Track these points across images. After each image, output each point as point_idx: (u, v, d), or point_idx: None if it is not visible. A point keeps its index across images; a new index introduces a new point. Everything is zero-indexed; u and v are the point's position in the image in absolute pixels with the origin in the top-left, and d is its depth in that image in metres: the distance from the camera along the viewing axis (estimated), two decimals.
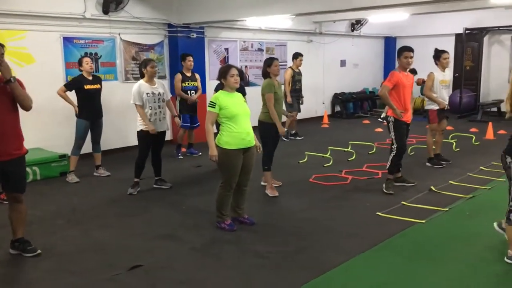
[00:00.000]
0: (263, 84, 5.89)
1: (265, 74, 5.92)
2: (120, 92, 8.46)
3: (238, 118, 4.64)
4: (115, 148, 8.48)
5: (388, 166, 6.07)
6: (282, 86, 6.52)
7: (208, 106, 4.69)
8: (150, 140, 6.09)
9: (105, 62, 8.57)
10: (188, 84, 8.15)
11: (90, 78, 6.83)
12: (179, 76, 8.12)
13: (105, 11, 8.28)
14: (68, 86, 6.82)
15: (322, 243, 4.47)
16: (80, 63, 6.87)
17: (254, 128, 4.88)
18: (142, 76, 6.13)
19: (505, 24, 12.01)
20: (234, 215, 4.97)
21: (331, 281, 3.72)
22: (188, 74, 8.19)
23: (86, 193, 6.28)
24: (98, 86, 6.88)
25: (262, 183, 6.26)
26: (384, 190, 5.94)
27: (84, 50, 8.23)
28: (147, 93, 5.99)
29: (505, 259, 3.88)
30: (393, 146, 6.03)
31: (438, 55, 7.28)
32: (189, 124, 8.23)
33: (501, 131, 9.93)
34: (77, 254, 4.32)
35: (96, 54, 8.41)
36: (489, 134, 9.63)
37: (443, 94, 7.20)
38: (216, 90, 7.22)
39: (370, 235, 4.61)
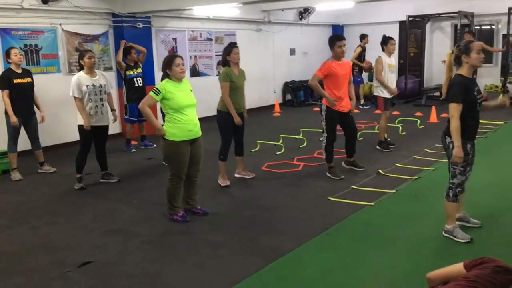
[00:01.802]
0: (221, 72, 5.82)
1: (225, 63, 5.79)
2: (64, 85, 8.06)
3: (184, 110, 4.58)
4: (61, 143, 8.19)
5: (324, 156, 6.18)
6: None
7: (152, 91, 4.59)
8: (91, 134, 5.90)
9: (47, 54, 8.24)
10: (133, 72, 7.98)
11: (19, 71, 6.44)
12: (123, 64, 7.96)
13: (44, 1, 7.94)
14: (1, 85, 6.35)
15: (275, 230, 4.52)
16: (7, 54, 6.43)
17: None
18: (81, 68, 5.91)
19: (446, 11, 12.47)
20: (186, 206, 4.93)
21: (283, 267, 3.76)
22: (132, 64, 8.03)
23: (32, 191, 6.04)
24: (29, 80, 6.53)
25: (236, 175, 6.21)
26: (333, 177, 6.05)
27: (24, 42, 7.88)
28: (86, 85, 5.79)
29: (443, 233, 4.09)
30: (323, 135, 6.14)
31: (386, 41, 7.47)
32: (136, 119, 8.03)
33: (444, 115, 10.32)
34: (24, 253, 4.16)
35: (36, 45, 8.06)
36: (433, 118, 10.02)
37: (391, 78, 7.43)
38: (162, 80, 7.11)
39: (321, 220, 4.70)
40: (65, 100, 7.99)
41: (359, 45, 12.13)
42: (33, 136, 6.72)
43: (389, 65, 7.35)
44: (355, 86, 11.54)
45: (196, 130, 4.68)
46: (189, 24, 10.67)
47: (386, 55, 7.41)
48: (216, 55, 11.41)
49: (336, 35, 6.19)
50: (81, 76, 5.83)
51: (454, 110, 3.82)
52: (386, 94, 7.38)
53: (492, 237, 4.15)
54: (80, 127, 5.87)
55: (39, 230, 4.70)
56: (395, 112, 10.09)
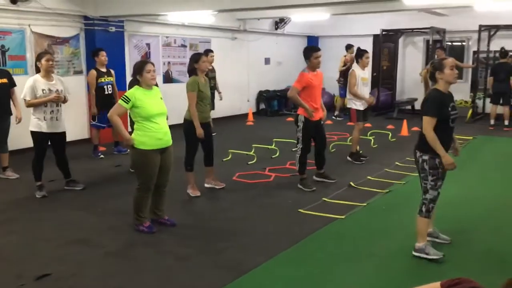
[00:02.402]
0: (188, 81, 5.66)
1: (192, 71, 5.61)
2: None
3: (154, 118, 4.44)
4: (24, 147, 7.85)
5: (298, 167, 6.10)
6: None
7: (121, 99, 4.43)
8: (45, 140, 5.69)
9: (14, 56, 7.95)
10: (105, 79, 7.75)
11: None
12: (93, 73, 7.69)
13: (13, 1, 7.68)
14: None
15: (244, 243, 4.41)
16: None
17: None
18: (38, 71, 5.65)
19: (418, 26, 12.68)
20: (153, 216, 4.77)
21: (250, 282, 3.66)
22: (103, 70, 7.79)
23: None
24: (4, 80, 6.32)
25: (206, 184, 6.07)
26: (305, 189, 5.99)
27: None
28: (42, 89, 5.56)
29: (413, 252, 4.02)
30: (298, 146, 6.09)
31: (361, 53, 7.51)
32: (104, 125, 7.81)
33: (415, 128, 10.43)
34: None
35: (3, 46, 7.78)
36: (404, 131, 10.11)
37: (364, 91, 7.45)
38: (130, 86, 6.96)
39: (291, 232, 4.62)
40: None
41: (345, 55, 12.27)
42: (3, 138, 6.44)
43: (362, 78, 7.38)
44: (340, 98, 11.63)
45: (166, 139, 4.55)
46: (163, 30, 10.53)
47: (359, 68, 7.44)
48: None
49: (312, 47, 6.17)
50: (37, 79, 5.57)
51: (427, 123, 3.80)
52: (359, 107, 7.39)
53: (463, 253, 4.13)
54: (32, 133, 5.64)
55: None
56: (367, 124, 10.13)
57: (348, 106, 7.59)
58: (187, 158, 5.72)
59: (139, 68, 4.47)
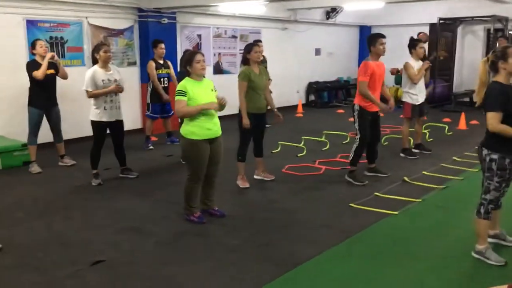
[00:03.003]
0: (240, 70, 5.67)
1: (244, 61, 5.63)
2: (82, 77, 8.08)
3: (205, 111, 4.45)
4: (83, 136, 8.14)
5: (351, 157, 5.93)
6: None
7: (178, 94, 4.43)
8: (104, 129, 5.85)
9: (72, 47, 8.23)
10: (162, 71, 7.84)
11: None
12: (152, 64, 7.76)
13: None
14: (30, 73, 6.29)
15: (293, 235, 4.36)
16: (33, 46, 6.41)
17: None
18: (95, 62, 5.81)
19: (478, 15, 12.07)
20: (203, 207, 4.81)
21: (301, 275, 3.61)
22: (161, 62, 7.89)
23: (50, 184, 6.01)
24: (52, 71, 6.49)
25: (255, 176, 6.06)
26: (354, 182, 5.83)
27: (50, 34, 7.88)
28: (102, 80, 5.71)
29: (472, 253, 3.81)
30: (356, 136, 5.94)
31: (414, 43, 7.22)
32: (157, 115, 7.96)
33: (473, 121, 10.00)
34: (38, 249, 4.09)
35: (62, 38, 8.06)
36: (462, 124, 9.68)
37: (420, 84, 7.15)
38: (180, 78, 7.04)
39: (342, 227, 4.52)
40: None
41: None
42: (56, 129, 6.70)
43: (417, 70, 7.08)
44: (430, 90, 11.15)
45: (215, 129, 4.55)
46: (214, 21, 10.57)
47: (414, 60, 7.16)
48: (240, 53, 11.23)
49: (379, 33, 5.95)
50: (97, 70, 5.75)
51: (493, 119, 3.52)
52: (415, 101, 7.11)
53: None
54: (92, 122, 5.82)
55: (54, 225, 4.64)
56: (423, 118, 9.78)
57: (403, 99, 7.30)
58: (239, 148, 5.73)
59: (189, 58, 4.48)
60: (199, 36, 10.36)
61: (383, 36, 5.85)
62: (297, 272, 3.64)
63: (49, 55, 6.30)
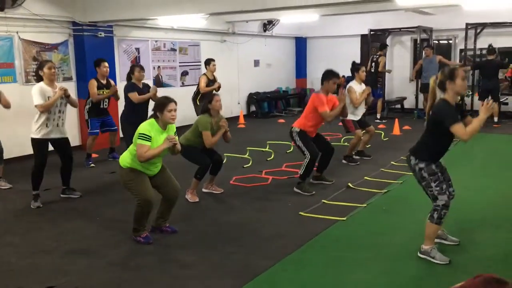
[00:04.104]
0: (200, 119, 5.69)
1: (205, 110, 5.76)
2: (20, 95, 7.73)
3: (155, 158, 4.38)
4: (14, 157, 7.73)
5: (302, 172, 6.02)
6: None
7: (141, 138, 4.24)
8: (46, 148, 5.63)
9: (2, 63, 7.82)
10: (102, 92, 7.54)
11: None
12: (94, 82, 7.47)
13: (1, 8, 7.55)
14: None
15: (248, 247, 4.38)
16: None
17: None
18: (39, 79, 5.62)
19: (406, 26, 12.78)
20: (155, 224, 4.72)
21: (260, 287, 3.64)
22: (103, 81, 7.60)
23: None
24: None
25: (204, 189, 6.04)
26: (303, 193, 5.94)
27: None
28: (48, 97, 5.52)
29: (418, 254, 4.02)
30: (305, 154, 6.01)
31: (357, 67, 7.66)
32: (97, 130, 7.73)
33: (406, 127, 10.55)
34: None
35: None
36: (396, 130, 10.18)
37: (361, 106, 7.56)
38: (126, 89, 6.89)
39: (294, 235, 4.60)
40: (21, 111, 7.59)
41: (381, 55, 12.11)
42: None
43: (359, 93, 7.49)
44: (375, 99, 11.53)
45: (156, 170, 4.51)
46: (152, 34, 10.45)
47: (357, 83, 7.57)
48: (180, 65, 11.22)
49: (334, 72, 6.13)
50: (43, 87, 5.55)
51: (461, 130, 3.64)
52: (353, 117, 7.43)
53: (471, 256, 4.07)
54: (33, 140, 5.56)
55: None
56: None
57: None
58: (202, 169, 5.72)
59: (162, 104, 4.32)
60: (138, 49, 10.20)
61: (338, 76, 6.14)
62: (254, 284, 3.67)
63: None
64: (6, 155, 6.75)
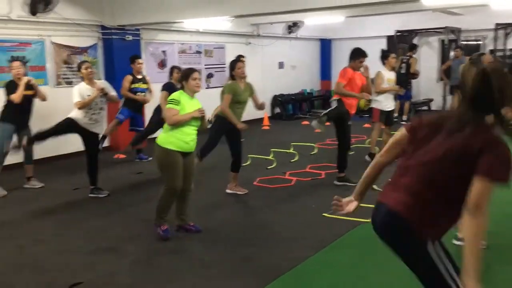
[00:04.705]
0: (225, 85, 5.99)
1: (231, 77, 5.96)
2: (51, 97, 7.91)
3: (189, 123, 4.56)
4: (45, 157, 7.96)
5: (338, 164, 6.37)
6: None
7: (170, 102, 4.52)
8: (71, 128, 5.90)
9: (34, 66, 8.06)
10: (139, 86, 7.87)
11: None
12: (129, 77, 7.84)
13: (33, 12, 7.80)
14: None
15: (270, 248, 4.41)
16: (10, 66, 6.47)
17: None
18: (83, 79, 6.01)
19: (433, 26, 12.61)
20: (179, 223, 4.81)
21: (283, 287, 3.66)
22: (139, 76, 7.94)
23: (17, 207, 5.84)
24: (30, 92, 6.40)
25: (228, 190, 6.11)
26: (350, 184, 6.05)
27: (11, 53, 7.69)
28: (88, 95, 5.83)
29: (453, 241, 3.98)
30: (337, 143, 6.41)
31: (386, 55, 7.74)
32: (123, 118, 7.94)
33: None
34: (12, 274, 3.99)
35: (23, 57, 7.89)
36: None
37: (389, 99, 7.54)
38: (166, 88, 7.08)
39: (318, 237, 4.61)
40: (52, 113, 7.79)
41: (411, 56, 11.88)
42: (27, 149, 6.50)
43: (388, 79, 7.56)
44: (403, 100, 11.51)
45: (192, 145, 4.64)
46: (178, 37, 10.61)
47: (386, 70, 7.59)
48: (205, 68, 11.34)
49: (362, 51, 6.34)
50: (82, 86, 5.89)
51: None
52: (384, 108, 7.51)
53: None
54: (70, 118, 5.85)
55: (26, 249, 4.52)
56: (384, 126, 10.09)
57: (372, 105, 7.61)
58: (205, 148, 5.90)
59: (187, 74, 4.64)
60: (164, 52, 10.36)
61: (365, 56, 6.30)
62: (277, 284, 3.70)
63: (24, 80, 6.23)
64: (37, 156, 6.98)
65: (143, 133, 7.73)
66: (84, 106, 5.78)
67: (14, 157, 6.61)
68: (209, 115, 5.10)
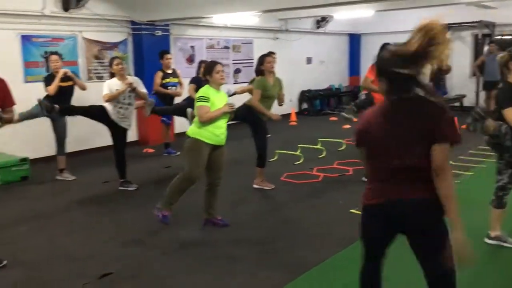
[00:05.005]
0: (255, 80, 5.99)
1: (258, 72, 5.92)
2: (82, 92, 8.11)
3: (219, 118, 4.62)
4: (77, 150, 8.14)
5: None
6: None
7: (200, 100, 4.55)
8: (100, 116, 6.02)
9: (67, 61, 8.22)
10: (170, 80, 7.99)
11: None
12: (159, 73, 7.97)
13: (65, 8, 7.98)
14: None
15: (297, 243, 4.41)
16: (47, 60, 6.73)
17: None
18: (112, 76, 6.13)
19: (466, 20, 12.30)
20: (207, 216, 4.85)
21: (307, 282, 3.66)
22: (169, 71, 8.05)
23: (50, 198, 6.01)
24: (70, 83, 6.62)
25: (254, 185, 6.14)
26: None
27: (44, 49, 7.90)
28: (116, 89, 5.93)
29: (485, 239, 3.93)
30: None
31: None
32: (167, 118, 8.16)
33: (465, 126, 10.14)
34: (44, 263, 4.11)
35: (56, 52, 8.06)
36: None
37: None
38: (194, 81, 7.11)
39: (345, 233, 4.57)
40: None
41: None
42: (60, 140, 6.73)
43: None
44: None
45: (222, 138, 4.70)
46: (207, 32, 10.66)
47: None
48: (233, 63, 11.37)
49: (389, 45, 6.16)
50: (112, 81, 6.04)
51: (508, 115, 3.61)
52: None
53: None
54: (103, 107, 5.97)
55: (58, 239, 4.65)
56: None
57: None
58: (264, 152, 5.99)
59: (209, 68, 4.68)
60: (192, 47, 10.44)
61: None
62: (303, 279, 3.69)
63: (60, 73, 6.44)
64: (69, 149, 7.15)
65: (169, 109, 7.73)
66: (111, 99, 5.89)
67: (48, 149, 6.78)
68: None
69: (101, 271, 3.87)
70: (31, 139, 6.72)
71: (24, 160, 6.80)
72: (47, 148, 6.76)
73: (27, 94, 6.94)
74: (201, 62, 7.81)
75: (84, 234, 4.78)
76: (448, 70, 11.49)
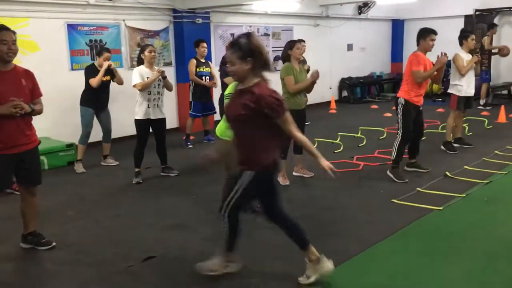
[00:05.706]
0: (282, 67, 5.70)
1: (285, 58, 5.68)
2: (126, 80, 8.28)
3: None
4: (119, 137, 8.34)
5: (394, 154, 5.81)
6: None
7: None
8: (147, 128, 6.05)
9: (111, 49, 8.38)
10: (203, 69, 7.99)
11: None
12: (193, 61, 7.96)
13: None
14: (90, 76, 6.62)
15: (337, 232, 4.38)
16: (99, 54, 6.82)
17: None
18: (140, 63, 6.06)
19: None
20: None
21: (348, 272, 3.63)
22: (202, 60, 8.06)
23: (95, 183, 6.20)
24: (108, 78, 6.75)
25: (294, 173, 6.12)
26: (396, 180, 5.76)
27: (89, 37, 8.10)
28: (147, 77, 5.90)
29: None
30: (398, 132, 5.86)
31: (466, 35, 7.09)
32: (200, 114, 8.12)
33: None
34: (90, 245, 4.25)
35: (101, 41, 8.28)
36: (501, 118, 9.47)
37: (469, 77, 7.01)
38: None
39: (386, 223, 4.51)
40: (128, 95, 8.13)
41: (487, 35, 11.57)
42: (106, 130, 6.92)
43: (467, 61, 6.96)
44: (481, 84, 10.95)
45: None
46: (246, 19, 10.63)
47: (464, 52, 7.04)
48: (272, 50, 11.31)
49: (431, 29, 5.85)
50: (142, 68, 5.97)
51: None
52: (462, 93, 7.01)
53: None
54: (136, 121, 5.99)
55: (103, 223, 4.80)
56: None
57: (450, 91, 7.19)
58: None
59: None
60: (232, 35, 10.44)
61: (435, 33, 5.77)
62: (344, 268, 3.67)
63: (105, 65, 6.57)
64: (113, 135, 7.33)
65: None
66: (145, 87, 5.84)
67: (93, 136, 6.97)
68: None
69: (145, 255, 3.97)
70: (75, 125, 6.92)
71: (70, 145, 7.03)
72: (91, 135, 6.94)
73: (73, 81, 7.20)
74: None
75: (128, 218, 4.91)
76: (499, 52, 10.88)
